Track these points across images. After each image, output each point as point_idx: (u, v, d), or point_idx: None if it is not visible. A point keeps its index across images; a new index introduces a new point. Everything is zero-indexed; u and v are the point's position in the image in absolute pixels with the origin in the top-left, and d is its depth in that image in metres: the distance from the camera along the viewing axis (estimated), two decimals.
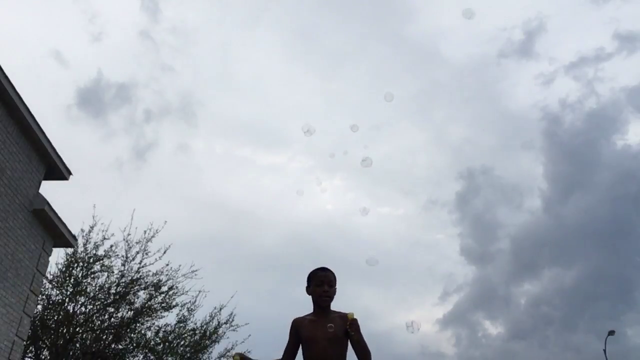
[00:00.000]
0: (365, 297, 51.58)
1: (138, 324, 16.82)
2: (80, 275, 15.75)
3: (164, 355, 17.15)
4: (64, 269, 15.78)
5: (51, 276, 15.66)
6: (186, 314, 17.80)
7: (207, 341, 18.10)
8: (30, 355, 15.56)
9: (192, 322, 17.98)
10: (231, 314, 18.58)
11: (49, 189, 15.68)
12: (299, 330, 3.28)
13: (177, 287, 17.34)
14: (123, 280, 16.38)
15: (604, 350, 24.77)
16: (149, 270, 16.84)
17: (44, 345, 15.74)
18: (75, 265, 15.74)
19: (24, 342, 11.11)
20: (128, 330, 16.57)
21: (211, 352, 18.37)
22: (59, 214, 11.64)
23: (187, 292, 17.63)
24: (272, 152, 50.75)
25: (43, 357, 15.78)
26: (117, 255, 16.36)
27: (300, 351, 3.31)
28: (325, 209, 53.30)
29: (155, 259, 16.83)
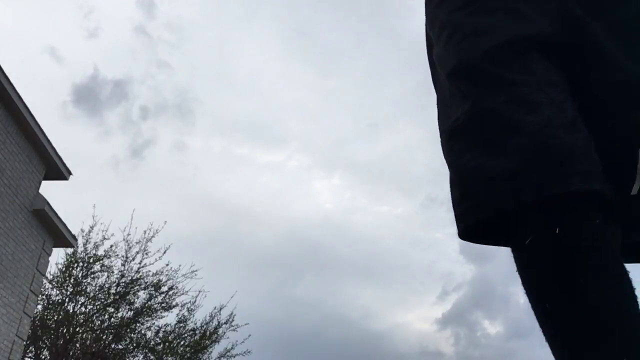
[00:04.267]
0: (365, 296, 51.58)
1: (138, 324, 16.84)
2: (80, 275, 15.78)
3: (164, 355, 17.17)
4: (64, 269, 15.82)
5: (51, 276, 15.69)
6: (186, 314, 17.85)
7: (207, 341, 18.12)
8: (30, 355, 15.58)
9: (192, 322, 18.03)
10: (231, 314, 18.62)
11: (49, 189, 15.70)
12: None
13: (177, 287, 17.39)
14: (123, 280, 16.41)
15: None
16: (149, 270, 16.89)
17: (44, 345, 15.76)
18: (75, 265, 15.77)
19: (24, 342, 11.11)
20: (128, 330, 16.59)
21: (211, 352, 18.41)
22: (59, 214, 11.66)
23: (187, 292, 17.69)
24: (270, 150, 50.72)
25: (43, 357, 15.80)
26: (117, 255, 16.40)
27: None
28: (324, 207, 53.24)
29: (155, 259, 16.88)
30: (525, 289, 0.85)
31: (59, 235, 11.81)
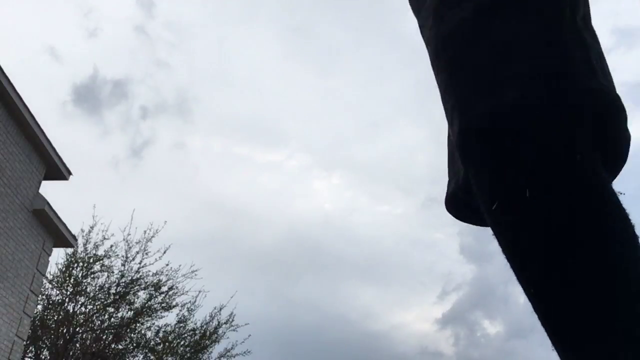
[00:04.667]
0: (365, 296, 51.59)
1: (138, 324, 16.85)
2: (80, 276, 15.79)
3: (164, 355, 17.17)
4: (64, 269, 15.83)
5: (51, 276, 15.70)
6: (186, 314, 17.86)
7: (207, 341, 18.13)
8: (30, 355, 15.57)
9: (192, 322, 18.03)
10: (231, 314, 18.63)
11: (49, 189, 15.70)
12: None
13: (177, 287, 17.39)
14: (123, 280, 16.41)
15: None
16: (149, 270, 16.89)
17: (44, 345, 15.76)
18: (75, 265, 15.78)
19: (24, 342, 11.11)
20: (128, 330, 16.60)
21: (211, 352, 18.41)
22: (59, 214, 11.66)
23: (187, 292, 17.70)
24: (270, 150, 50.72)
25: (43, 357, 15.80)
26: (117, 255, 16.39)
27: None
28: (324, 207, 53.21)
29: (155, 259, 16.88)
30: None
31: (59, 235, 11.81)
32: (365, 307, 50.16)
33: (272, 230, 48.56)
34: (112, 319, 16.43)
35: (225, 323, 18.53)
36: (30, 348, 15.37)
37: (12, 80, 10.01)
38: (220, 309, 18.46)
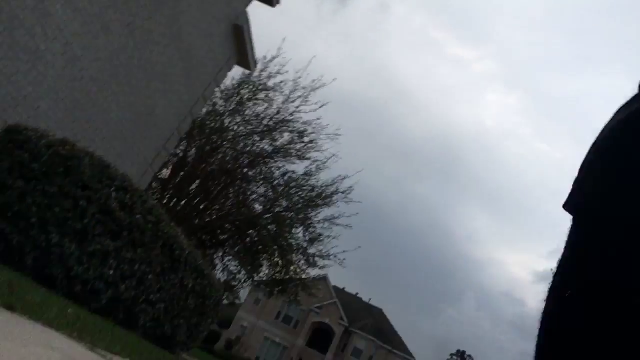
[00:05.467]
0: (478, 221, 50.34)
1: (272, 160, 17.66)
2: (246, 97, 16.48)
3: (280, 197, 18.06)
4: (236, 85, 16.56)
5: (223, 87, 16.52)
6: (314, 170, 18.27)
7: (320, 201, 18.66)
8: (181, 148, 16.87)
9: (315, 179, 18.50)
10: (350, 187, 18.78)
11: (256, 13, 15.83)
12: None
13: (316, 143, 17.65)
14: (277, 116, 16.94)
15: None
16: (301, 117, 17.21)
17: (194, 145, 17.09)
18: (246, 86, 16.40)
19: (180, 137, 12.00)
20: (262, 162, 17.49)
21: (319, 213, 19.02)
22: (252, 34, 11.81)
23: (323, 151, 17.91)
24: (464, 44, 47.39)
25: (189, 152, 17.18)
26: (282, 92, 16.74)
27: None
28: (485, 123, 50.25)
29: (311, 109, 17.07)
30: None
31: (243, 55, 12.05)
32: (474, 230, 49.23)
33: (424, 122, 47.34)
34: (254, 147, 17.34)
35: (342, 193, 18.83)
36: (184, 142, 16.79)
37: None
38: (344, 179, 18.68)
